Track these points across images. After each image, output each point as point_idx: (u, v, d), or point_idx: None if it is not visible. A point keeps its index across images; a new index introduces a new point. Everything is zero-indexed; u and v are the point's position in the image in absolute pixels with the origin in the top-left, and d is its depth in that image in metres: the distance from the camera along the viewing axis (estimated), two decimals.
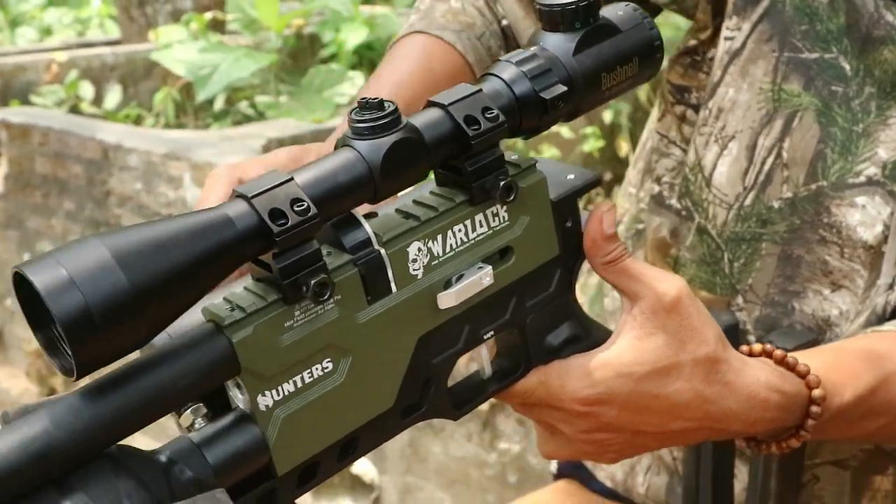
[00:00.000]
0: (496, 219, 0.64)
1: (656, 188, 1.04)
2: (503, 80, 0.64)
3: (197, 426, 0.55)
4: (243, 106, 5.00)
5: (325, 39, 5.39)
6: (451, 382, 0.68)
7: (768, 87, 0.90)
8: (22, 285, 0.49)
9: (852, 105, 0.87)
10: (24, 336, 3.96)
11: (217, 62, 3.70)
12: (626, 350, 0.67)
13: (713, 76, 0.95)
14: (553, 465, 1.26)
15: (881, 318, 0.88)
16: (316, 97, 3.82)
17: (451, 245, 0.62)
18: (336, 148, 0.59)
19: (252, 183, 0.54)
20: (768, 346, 0.75)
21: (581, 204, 0.70)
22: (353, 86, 4.00)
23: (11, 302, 3.98)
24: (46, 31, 7.51)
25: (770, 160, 0.91)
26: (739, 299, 0.95)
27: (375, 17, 5.44)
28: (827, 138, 0.88)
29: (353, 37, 4.97)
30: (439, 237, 0.62)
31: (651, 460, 1.08)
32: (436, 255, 0.62)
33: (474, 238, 0.63)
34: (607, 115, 4.62)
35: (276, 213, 0.53)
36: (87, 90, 4.98)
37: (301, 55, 5.45)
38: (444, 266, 0.62)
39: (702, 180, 0.96)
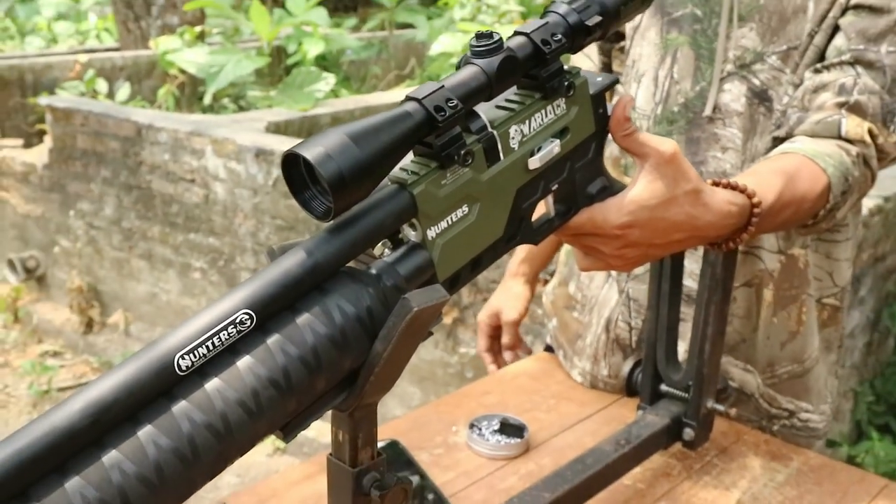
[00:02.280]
0: (559, 109, 0.72)
1: None
2: (559, 14, 0.72)
3: (385, 254, 0.62)
4: (226, 101, 5.01)
5: (290, 50, 5.45)
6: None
7: (659, 41, 1.13)
8: (287, 163, 0.58)
9: (707, 33, 1.10)
10: (65, 277, 3.93)
11: (223, 63, 3.72)
12: (644, 190, 0.77)
13: (627, 43, 1.18)
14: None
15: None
16: (299, 92, 3.87)
17: (533, 127, 0.70)
18: (458, 66, 0.65)
19: (418, 90, 0.61)
20: (717, 178, 0.88)
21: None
22: (327, 84, 4.06)
23: (58, 249, 3.94)
24: (53, 40, 7.30)
25: (667, 83, 1.13)
26: (686, 159, 1.16)
27: (330, 33, 5.51)
28: (699, 57, 1.11)
29: (314, 49, 5.03)
30: (527, 121, 0.69)
31: (607, 347, 1.22)
32: (525, 133, 0.69)
33: (547, 122, 0.71)
34: None
35: (438, 108, 0.60)
36: (101, 86, 4.88)
37: (271, 64, 5.46)
38: (531, 141, 0.69)
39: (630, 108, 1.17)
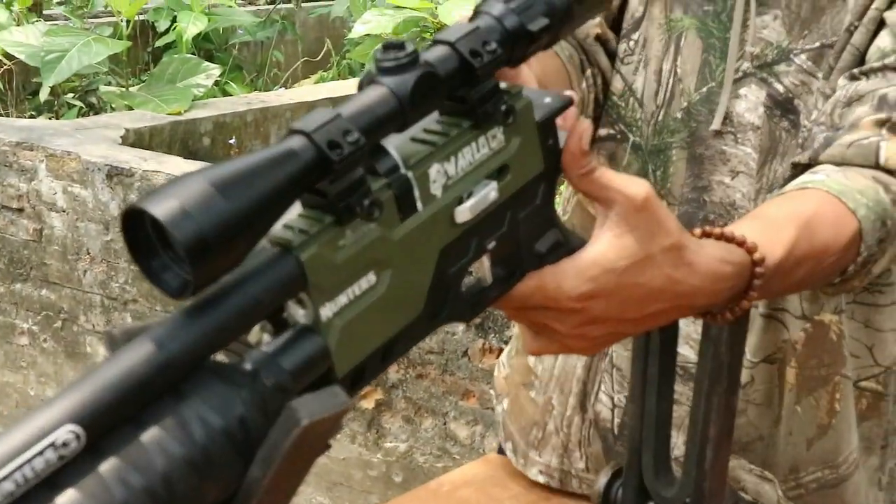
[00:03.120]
0: (495, 140, 0.73)
1: None
2: (493, 15, 0.73)
3: (264, 341, 0.63)
4: (69, 98, 4.98)
5: (161, 28, 5.42)
6: None
7: (663, 21, 1.16)
8: (129, 221, 0.58)
9: (721, 18, 1.13)
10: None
11: (66, 47, 3.70)
12: (609, 248, 0.78)
13: (634, 12, 1.20)
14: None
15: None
16: (170, 88, 3.87)
17: (461, 166, 0.71)
18: (361, 87, 0.67)
19: (305, 120, 0.62)
20: (707, 228, 0.87)
21: None
22: (209, 77, 4.06)
23: None
24: None
25: (671, 80, 1.16)
26: (664, 203, 1.17)
27: (216, 5, 5.51)
28: (709, 48, 1.15)
29: (193, 27, 5.03)
30: (452, 159, 0.71)
31: (582, 433, 1.24)
32: (450, 175, 0.71)
33: (479, 159, 0.72)
34: None
35: (333, 144, 0.61)
36: None
37: (134, 44, 5.43)
38: (458, 185, 0.71)
39: (634, 102, 1.20)
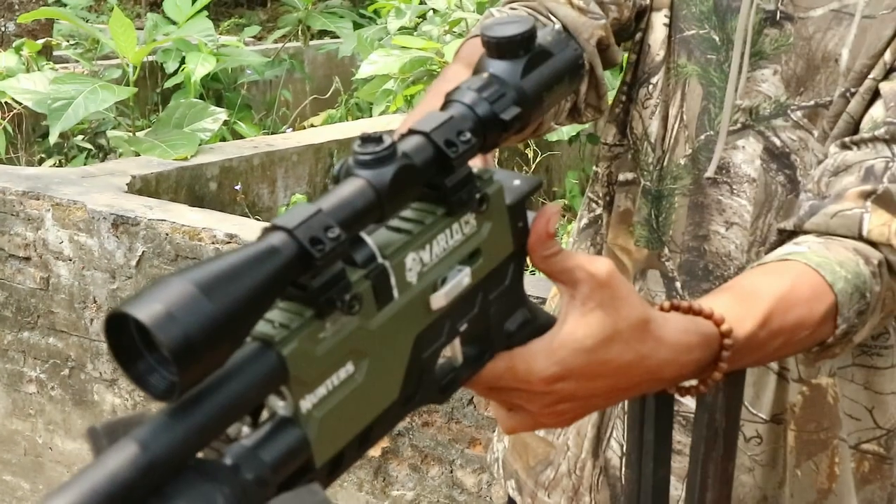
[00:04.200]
0: (467, 226, 0.75)
1: (603, 173, 1.29)
2: (466, 104, 0.74)
3: (243, 434, 0.64)
4: (78, 140, 5.00)
5: (170, 69, 5.46)
6: None
7: (671, 65, 1.19)
8: (113, 325, 0.58)
9: (723, 68, 1.15)
10: None
11: (73, 94, 3.72)
12: (576, 327, 0.78)
13: (655, 56, 1.22)
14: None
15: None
16: (177, 133, 3.88)
17: (436, 253, 0.72)
18: (338, 179, 0.69)
19: (287, 216, 0.63)
20: (675, 301, 0.88)
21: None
22: (215, 121, 4.08)
23: None
24: None
25: (676, 125, 1.19)
26: (665, 250, 1.20)
27: (225, 46, 5.55)
28: (709, 96, 1.17)
29: (201, 68, 5.06)
30: (427, 246, 0.72)
31: (593, 478, 1.24)
32: (425, 262, 0.72)
33: (452, 245, 0.74)
34: None
35: (315, 241, 0.62)
36: None
37: (142, 85, 5.45)
38: (433, 271, 0.72)
39: (647, 146, 1.22)
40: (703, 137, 1.16)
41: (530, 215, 0.80)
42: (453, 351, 0.77)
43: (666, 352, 0.82)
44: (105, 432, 0.58)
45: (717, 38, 1.16)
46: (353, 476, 2.78)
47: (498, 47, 0.78)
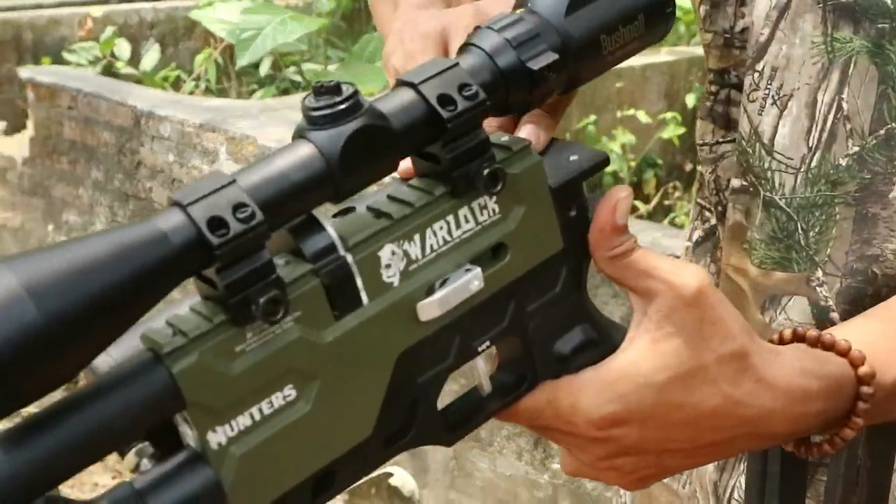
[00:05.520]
0: (485, 212, 0.62)
1: (709, 178, 1.08)
2: (484, 50, 0.62)
3: (143, 468, 0.53)
4: (291, 72, 5.01)
5: None
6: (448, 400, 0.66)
7: (820, 41, 0.93)
8: None
9: None
10: None
11: (261, 25, 3.67)
12: (644, 356, 0.65)
13: (759, 36, 0.97)
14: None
15: None
16: (368, 67, 3.78)
17: (431, 246, 0.60)
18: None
19: (189, 188, 0.52)
20: (800, 329, 0.74)
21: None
22: None
23: None
24: None
25: (831, 116, 0.94)
26: (819, 273, 0.96)
27: None
28: (887, 78, 0.91)
29: None
30: (416, 237, 0.59)
31: None
32: (413, 258, 0.59)
33: (459, 236, 0.61)
34: (690, 100, 4.52)
35: (216, 223, 0.51)
36: (123, 49, 5.00)
37: (356, 18, 5.44)
38: (425, 270, 0.60)
39: (760, 149, 0.98)
40: (882, 132, 0.92)
41: (592, 201, 0.67)
42: (477, 375, 0.65)
43: (772, 399, 0.68)
44: None
45: (889, 1, 0.91)
46: (514, 444, 2.69)
47: None
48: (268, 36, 3.63)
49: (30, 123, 3.96)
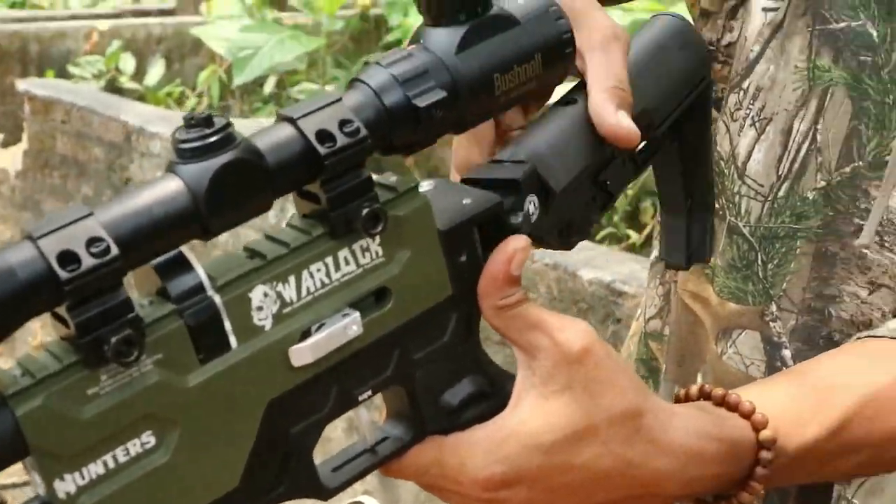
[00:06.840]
0: (367, 254, 0.61)
1: None
2: (370, 86, 0.61)
3: None
4: (295, 91, 5.00)
5: (392, 23, 5.40)
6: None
7: (803, 66, 0.91)
8: None
9: (882, 74, 0.88)
10: (30, 329, 3.99)
11: (259, 43, 3.66)
12: (532, 415, 0.64)
13: (748, 53, 0.94)
14: None
15: None
16: None
17: (307, 288, 0.59)
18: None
19: (44, 220, 0.51)
20: (706, 387, 0.72)
21: None
22: None
23: None
24: None
25: (805, 146, 0.92)
26: (773, 307, 0.95)
27: None
28: (860, 114, 0.89)
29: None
30: (291, 279, 0.58)
31: None
32: (288, 300, 0.58)
33: (339, 279, 0.60)
34: None
35: (68, 257, 0.50)
36: (128, 63, 4.99)
37: (365, 38, 5.42)
38: (300, 314, 0.59)
39: (734, 171, 0.97)
40: (848, 170, 0.89)
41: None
42: (359, 424, 0.64)
43: (665, 461, 0.66)
44: None
45: (874, 34, 0.88)
46: None
47: (429, 8, 0.63)
48: (265, 55, 3.62)
49: (24, 136, 3.97)
